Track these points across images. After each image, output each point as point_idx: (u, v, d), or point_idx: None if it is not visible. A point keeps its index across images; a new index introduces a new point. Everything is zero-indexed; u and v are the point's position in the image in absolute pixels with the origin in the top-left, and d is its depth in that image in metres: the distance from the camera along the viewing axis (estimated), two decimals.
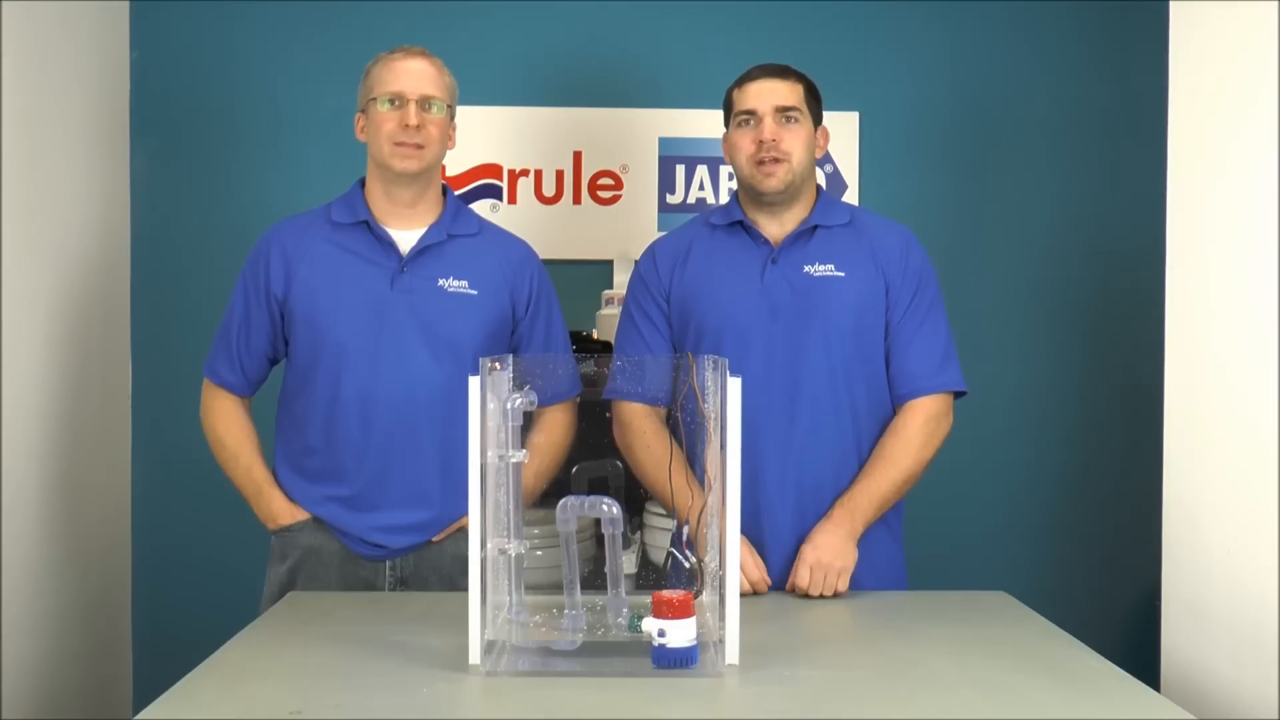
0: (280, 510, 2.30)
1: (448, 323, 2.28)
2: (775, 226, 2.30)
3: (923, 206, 3.34)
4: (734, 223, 2.31)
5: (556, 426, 2.34)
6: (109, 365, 3.12)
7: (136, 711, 1.52)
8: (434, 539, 2.30)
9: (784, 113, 2.24)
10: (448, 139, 2.33)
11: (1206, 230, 2.05)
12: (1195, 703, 1.96)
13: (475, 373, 1.66)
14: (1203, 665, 2.01)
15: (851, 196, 3.35)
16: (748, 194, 2.31)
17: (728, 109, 2.32)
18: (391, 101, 2.26)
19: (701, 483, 1.83)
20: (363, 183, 2.37)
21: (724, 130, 2.34)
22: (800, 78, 2.29)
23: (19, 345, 2.60)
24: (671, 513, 2.10)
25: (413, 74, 2.27)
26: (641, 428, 2.24)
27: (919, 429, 2.24)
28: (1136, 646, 2.61)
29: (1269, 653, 1.82)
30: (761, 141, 2.23)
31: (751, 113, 2.25)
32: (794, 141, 2.24)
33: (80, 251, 2.94)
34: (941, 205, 3.38)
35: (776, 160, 2.23)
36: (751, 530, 2.17)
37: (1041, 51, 3.40)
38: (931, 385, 2.26)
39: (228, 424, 2.35)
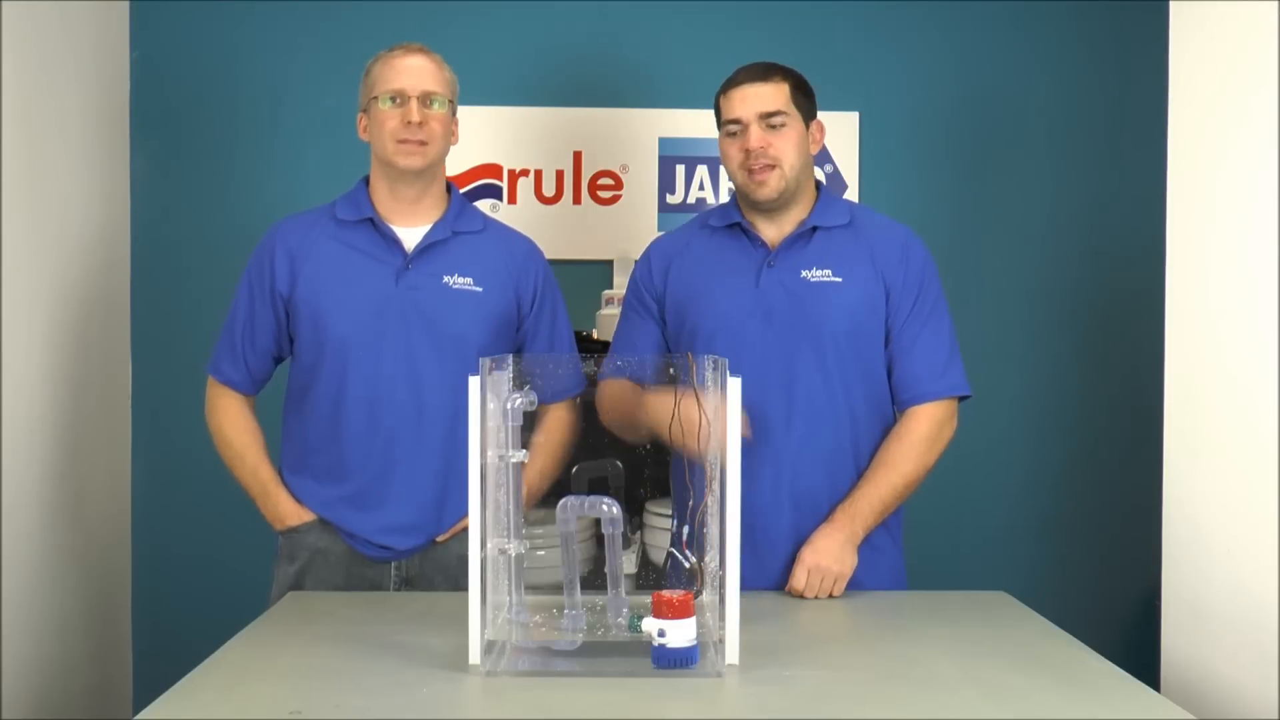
0: (288, 511, 2.30)
1: (453, 319, 2.28)
2: (773, 229, 2.28)
3: (923, 207, 3.34)
4: (732, 224, 2.29)
5: (559, 425, 2.34)
6: (109, 365, 3.12)
7: (136, 712, 1.52)
8: (438, 539, 2.30)
9: (769, 118, 2.20)
10: (450, 134, 2.33)
11: (1206, 230, 2.05)
12: (1195, 703, 1.96)
13: (478, 371, 1.67)
14: (1203, 665, 2.01)
15: (851, 196, 3.35)
16: (745, 201, 2.28)
17: (718, 115, 2.28)
18: (393, 99, 2.26)
19: (701, 484, 1.83)
20: (367, 180, 2.37)
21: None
22: (785, 75, 2.24)
23: (19, 345, 2.60)
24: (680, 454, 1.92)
25: (413, 70, 2.27)
26: (622, 386, 2.22)
27: (922, 435, 2.22)
28: (1136, 646, 2.61)
29: (1269, 653, 1.82)
30: (749, 151, 2.19)
31: (737, 121, 2.21)
32: (783, 146, 2.20)
33: (80, 251, 2.94)
34: (941, 205, 3.38)
35: (768, 167, 2.19)
36: (746, 537, 2.16)
37: (1041, 51, 3.40)
38: (935, 391, 2.23)
39: (234, 423, 2.35)
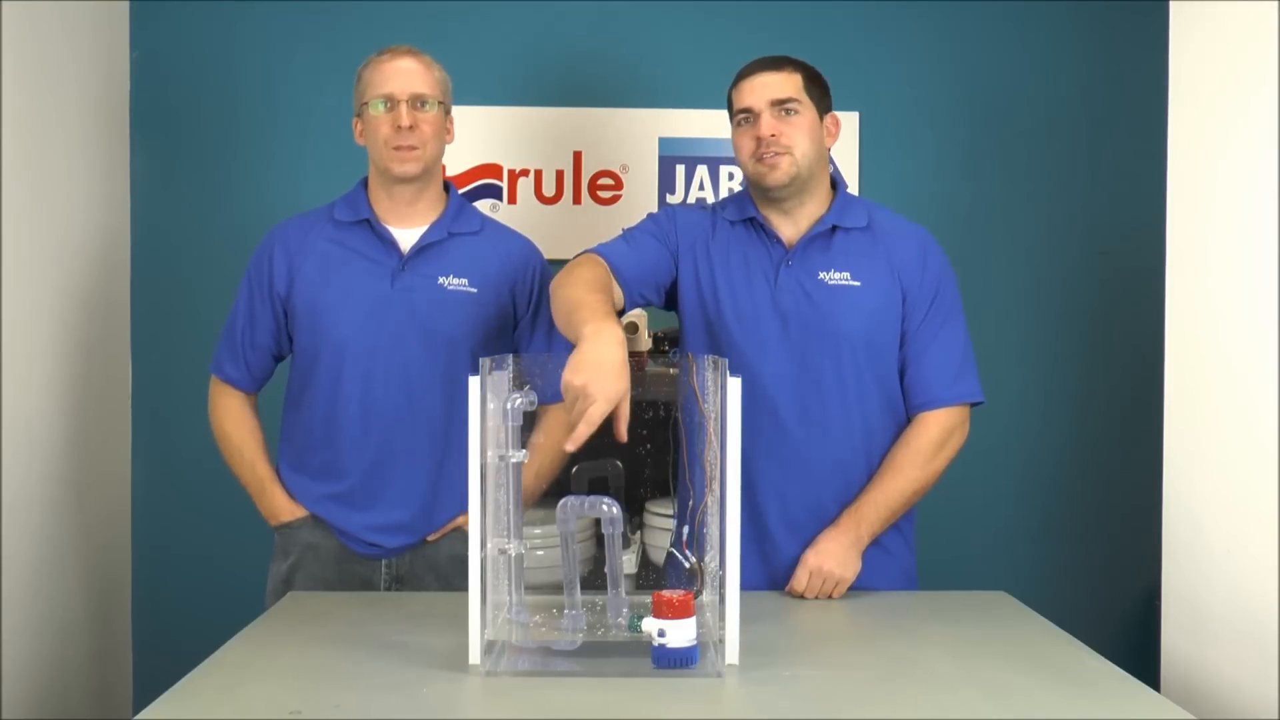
0: (281, 507, 2.32)
1: (447, 321, 2.28)
2: (789, 226, 2.23)
3: (922, 207, 3.33)
4: (748, 219, 2.25)
5: (559, 426, 2.33)
6: (109, 365, 3.12)
7: (136, 712, 1.52)
8: (429, 538, 2.31)
9: (781, 105, 2.16)
10: (445, 134, 2.33)
11: (1206, 230, 2.05)
12: (1195, 703, 1.96)
13: (474, 371, 1.66)
14: (1203, 665, 2.01)
15: None
16: (757, 192, 2.24)
17: (730, 110, 2.26)
18: (384, 103, 2.26)
19: (701, 484, 1.83)
20: (366, 181, 2.37)
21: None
22: (798, 66, 2.21)
23: (19, 345, 2.60)
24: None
25: (402, 74, 2.27)
26: (598, 271, 2.11)
27: (930, 441, 2.20)
28: (1136, 646, 2.61)
29: (1269, 653, 1.82)
30: (760, 139, 2.16)
31: (749, 110, 2.19)
32: (795, 134, 2.16)
33: (80, 251, 2.94)
34: (942, 205, 3.38)
35: (779, 154, 2.15)
36: (759, 541, 2.16)
37: (1041, 51, 3.40)
38: (946, 397, 2.21)
39: (234, 421, 2.38)
